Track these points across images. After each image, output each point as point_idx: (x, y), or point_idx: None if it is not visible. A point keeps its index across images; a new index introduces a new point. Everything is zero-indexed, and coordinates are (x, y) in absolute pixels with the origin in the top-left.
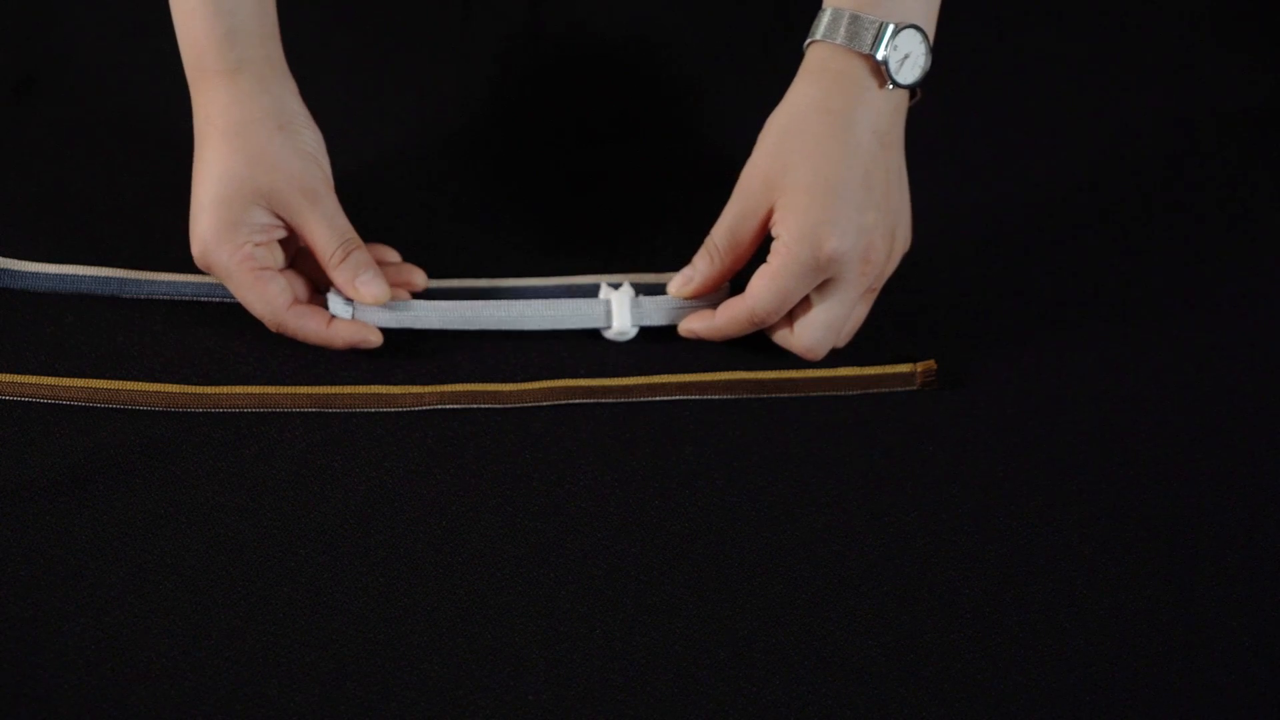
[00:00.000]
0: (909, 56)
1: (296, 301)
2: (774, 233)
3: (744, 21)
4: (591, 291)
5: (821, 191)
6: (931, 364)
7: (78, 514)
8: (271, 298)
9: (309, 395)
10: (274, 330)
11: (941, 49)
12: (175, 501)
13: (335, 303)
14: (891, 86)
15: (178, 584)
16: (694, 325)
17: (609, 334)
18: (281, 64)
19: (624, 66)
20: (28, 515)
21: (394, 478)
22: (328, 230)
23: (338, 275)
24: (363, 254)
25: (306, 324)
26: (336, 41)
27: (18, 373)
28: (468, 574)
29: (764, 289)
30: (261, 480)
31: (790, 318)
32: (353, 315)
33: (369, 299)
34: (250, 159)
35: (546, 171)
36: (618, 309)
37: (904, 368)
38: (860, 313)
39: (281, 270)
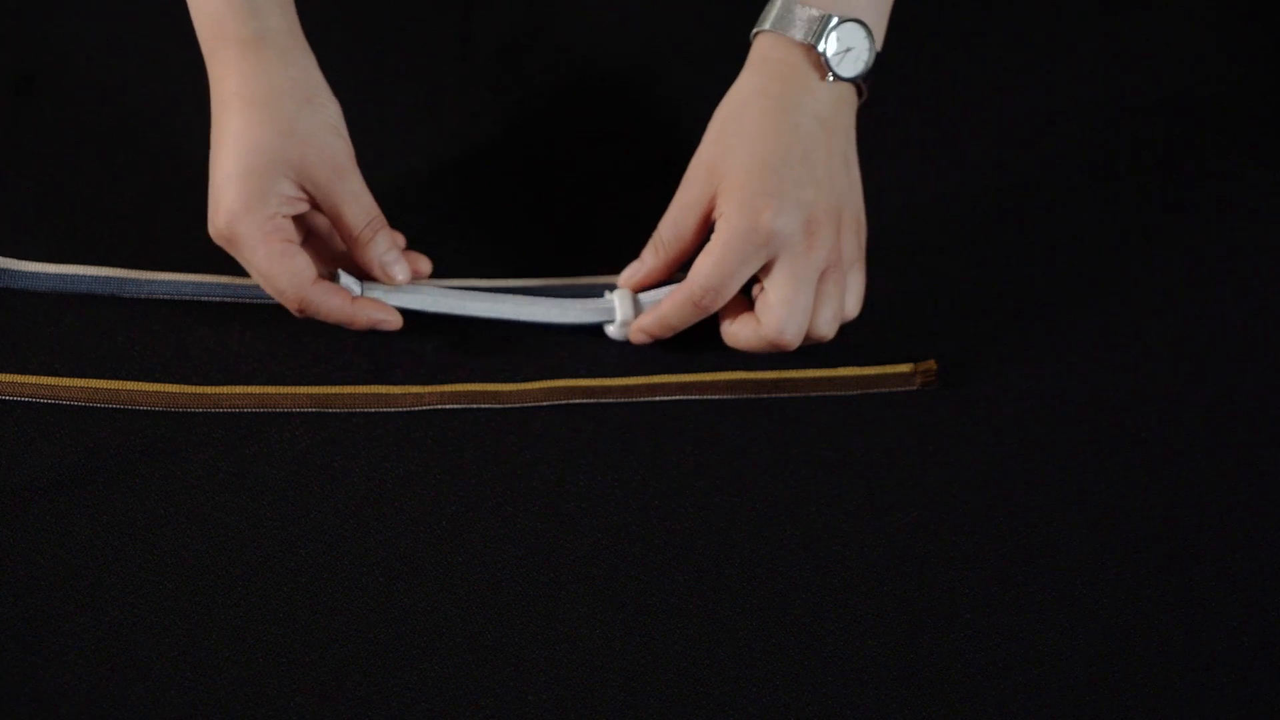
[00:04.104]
0: (851, 50)
1: (319, 278)
2: (716, 215)
3: (745, 25)
4: (593, 292)
5: (759, 169)
6: (931, 364)
7: (78, 514)
8: (298, 271)
9: (309, 395)
10: (295, 309)
11: (941, 46)
12: (175, 501)
13: (346, 282)
14: (832, 78)
15: (178, 584)
16: (643, 322)
17: (611, 330)
18: (301, 34)
19: (625, 67)
20: (28, 515)
21: (394, 478)
22: (355, 207)
23: (366, 253)
24: (389, 233)
25: (330, 301)
26: (336, 41)
27: (18, 373)
28: (468, 574)
29: (705, 267)
30: (261, 480)
31: (754, 313)
32: (361, 295)
33: (398, 279)
34: (280, 131)
35: (547, 172)
36: (620, 305)
37: (904, 368)
38: (834, 299)
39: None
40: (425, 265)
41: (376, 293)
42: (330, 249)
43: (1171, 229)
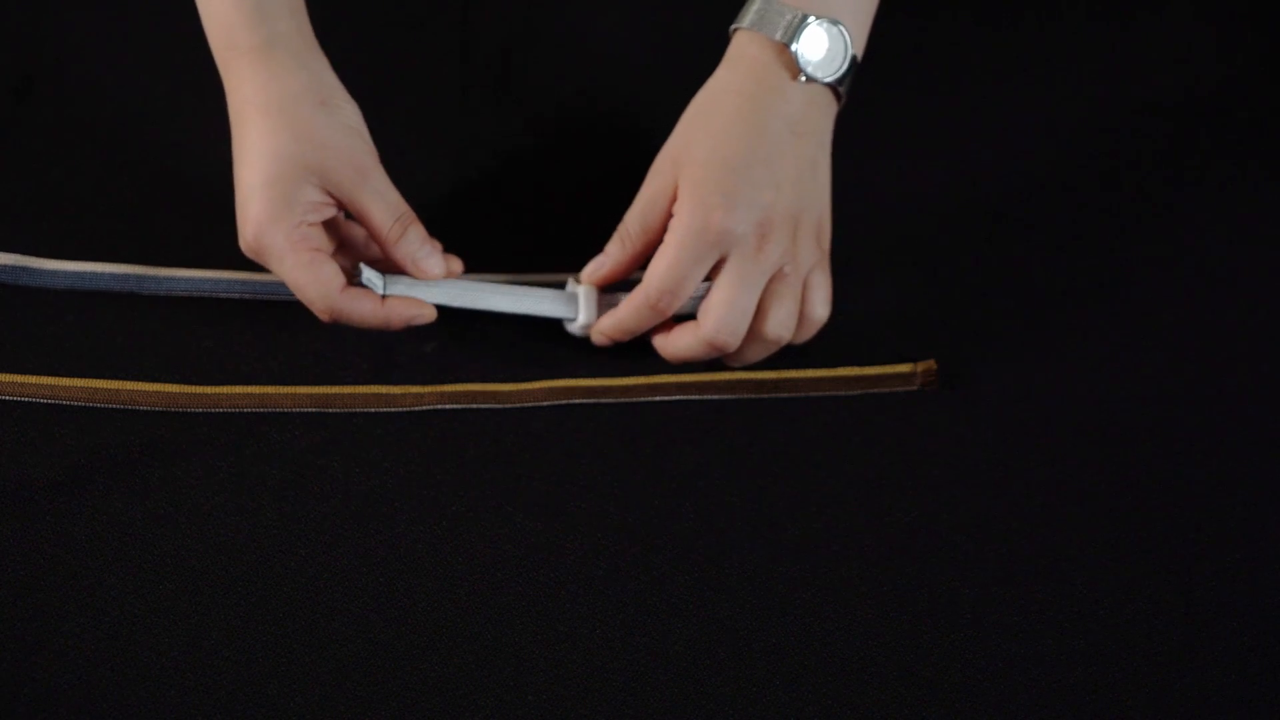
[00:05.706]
0: (826, 53)
1: (348, 285)
2: (674, 210)
3: None
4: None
5: (718, 168)
6: (931, 364)
7: (78, 514)
8: (325, 280)
9: (309, 395)
10: (326, 318)
11: (939, 46)
12: (175, 501)
13: (367, 275)
14: (804, 80)
15: (178, 584)
16: (602, 325)
17: (572, 329)
18: (312, 37)
19: (625, 67)
20: (28, 515)
21: (394, 478)
22: (381, 205)
23: (398, 251)
24: (419, 228)
25: (362, 306)
26: (335, 41)
27: (18, 373)
28: (468, 574)
29: (659, 269)
30: (261, 480)
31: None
32: (384, 292)
33: (434, 273)
34: (297, 136)
35: (546, 172)
36: (584, 305)
37: (904, 368)
38: (788, 300)
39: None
40: (457, 265)
41: (399, 287)
42: (366, 257)
43: (1171, 230)
